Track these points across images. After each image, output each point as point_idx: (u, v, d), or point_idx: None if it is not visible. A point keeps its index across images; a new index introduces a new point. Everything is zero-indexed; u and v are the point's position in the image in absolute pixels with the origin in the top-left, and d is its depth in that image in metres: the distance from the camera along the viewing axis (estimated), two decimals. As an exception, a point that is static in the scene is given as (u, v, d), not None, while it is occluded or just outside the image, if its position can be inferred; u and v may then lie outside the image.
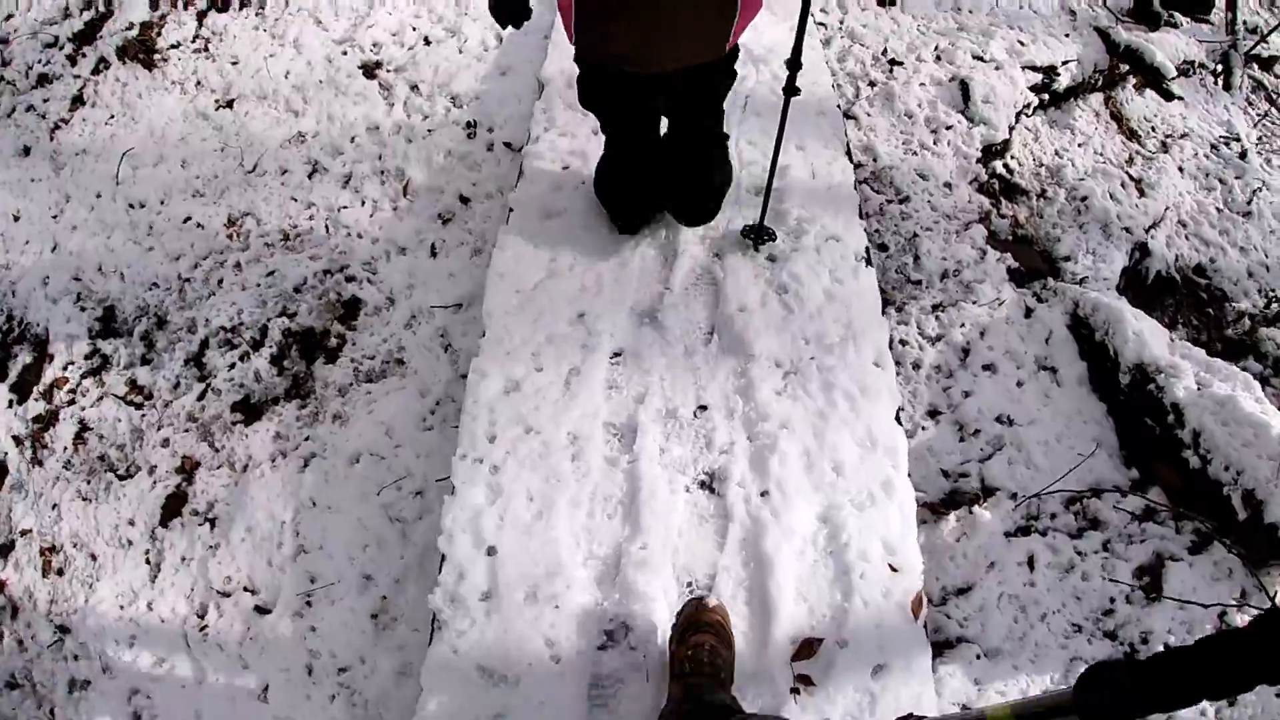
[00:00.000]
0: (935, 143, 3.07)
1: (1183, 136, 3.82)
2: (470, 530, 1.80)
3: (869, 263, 2.29)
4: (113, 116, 3.17)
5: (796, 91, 1.98)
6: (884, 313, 2.60)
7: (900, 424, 2.04)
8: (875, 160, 2.98)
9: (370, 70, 3.08)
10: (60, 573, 2.45)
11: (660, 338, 2.04)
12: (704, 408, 1.94)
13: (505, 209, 2.42)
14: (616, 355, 2.02)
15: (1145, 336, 2.63)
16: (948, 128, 3.11)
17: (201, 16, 3.29)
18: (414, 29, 3.20)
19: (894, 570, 1.83)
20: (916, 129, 3.08)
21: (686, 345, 2.03)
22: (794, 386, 1.98)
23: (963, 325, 2.70)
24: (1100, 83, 3.66)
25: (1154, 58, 3.48)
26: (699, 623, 1.60)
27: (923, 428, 2.51)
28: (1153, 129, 3.85)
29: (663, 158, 2.23)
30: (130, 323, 2.78)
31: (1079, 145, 3.47)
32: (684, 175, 2.31)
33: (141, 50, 3.17)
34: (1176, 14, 4.21)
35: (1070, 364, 2.68)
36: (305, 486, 2.29)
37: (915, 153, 3.03)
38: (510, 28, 1.70)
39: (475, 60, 3.03)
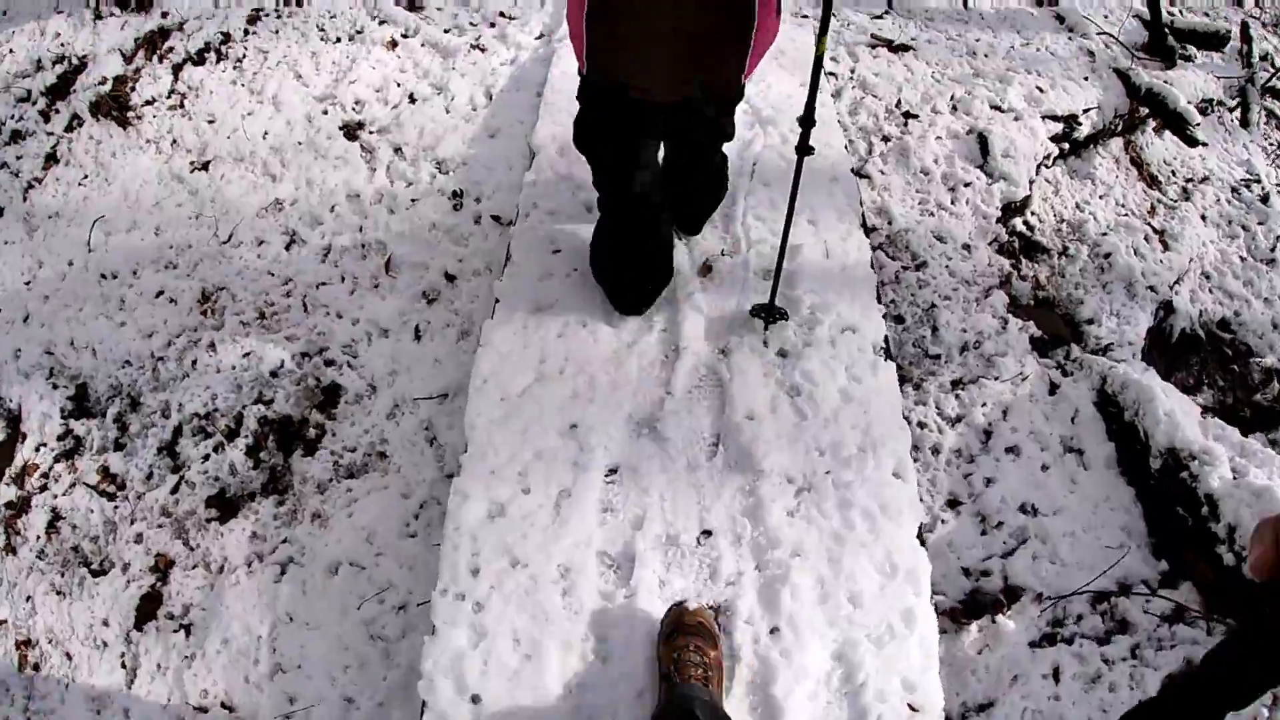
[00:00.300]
0: (953, 202, 2.91)
1: (1203, 180, 3.67)
2: (452, 675, 1.66)
3: (888, 355, 2.13)
4: (86, 177, 3.02)
5: (810, 151, 1.88)
6: (900, 391, 2.46)
7: (923, 544, 1.88)
8: (890, 223, 2.81)
9: (352, 131, 2.91)
10: (36, 668, 2.34)
11: (660, 451, 1.88)
12: (708, 533, 1.79)
13: (492, 295, 2.27)
14: (612, 472, 1.86)
15: (1177, 417, 2.47)
16: (966, 185, 2.94)
17: (177, 70, 3.13)
18: (399, 85, 3.03)
19: (913, 710, 1.69)
20: (933, 187, 2.92)
21: (689, 459, 1.87)
22: (807, 506, 1.82)
23: (984, 404, 2.55)
24: (1120, 127, 3.50)
25: (1177, 103, 3.32)
26: (684, 625, 1.62)
27: (942, 520, 2.37)
28: (1173, 173, 3.69)
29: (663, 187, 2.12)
30: (103, 403, 2.64)
31: (1100, 197, 3.31)
32: (678, 198, 2.22)
33: (115, 107, 3.02)
34: (1190, 47, 4.05)
35: (1098, 445, 2.53)
36: (282, 599, 2.14)
37: (932, 213, 2.87)
38: None
39: (463, 121, 2.86)
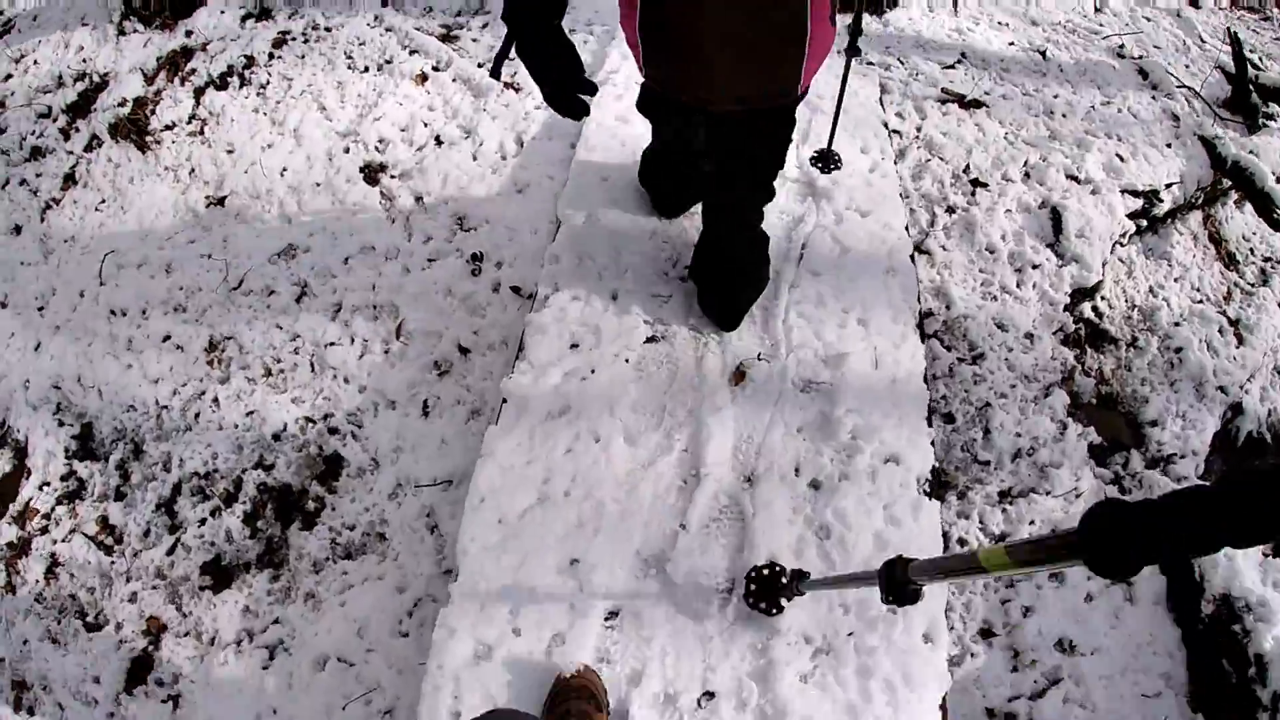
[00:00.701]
0: (1019, 285, 2.66)
1: (1282, 261, 3.36)
2: (427, 833, 1.54)
3: (933, 492, 1.93)
4: (104, 201, 2.92)
5: (857, 52, 2.18)
6: (943, 500, 2.26)
7: (944, 711, 1.71)
8: (949, 307, 2.57)
9: (373, 174, 2.76)
10: (31, 711, 2.32)
11: (668, 595, 1.73)
12: (710, 695, 1.64)
13: (505, 375, 2.11)
14: (612, 615, 1.71)
15: (1238, 561, 2.27)
16: (1034, 266, 2.69)
17: (199, 94, 2.99)
18: (426, 124, 2.85)
19: None
20: (998, 268, 2.66)
21: (698, 607, 1.72)
22: (824, 671, 1.66)
23: (1032, 521, 2.35)
24: (1201, 200, 3.19)
25: (1265, 181, 3.01)
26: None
27: (972, 653, 2.19)
28: (1251, 251, 3.39)
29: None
30: (107, 446, 2.58)
31: (1175, 279, 3.03)
32: (713, 281, 2.17)
33: (134, 130, 2.90)
34: (1274, 105, 3.71)
35: (1148, 578, 2.32)
36: (268, 690, 2.06)
37: (995, 297, 2.62)
38: (571, 119, 1.63)
39: (490, 171, 2.68)
